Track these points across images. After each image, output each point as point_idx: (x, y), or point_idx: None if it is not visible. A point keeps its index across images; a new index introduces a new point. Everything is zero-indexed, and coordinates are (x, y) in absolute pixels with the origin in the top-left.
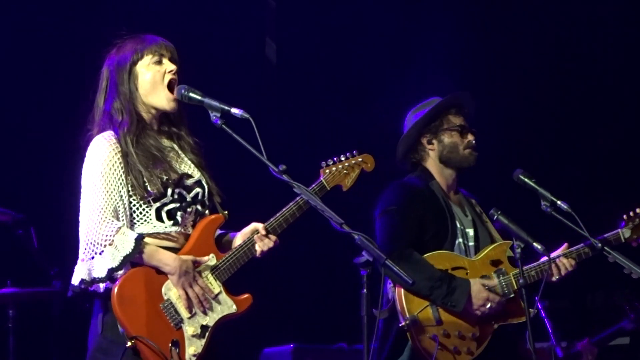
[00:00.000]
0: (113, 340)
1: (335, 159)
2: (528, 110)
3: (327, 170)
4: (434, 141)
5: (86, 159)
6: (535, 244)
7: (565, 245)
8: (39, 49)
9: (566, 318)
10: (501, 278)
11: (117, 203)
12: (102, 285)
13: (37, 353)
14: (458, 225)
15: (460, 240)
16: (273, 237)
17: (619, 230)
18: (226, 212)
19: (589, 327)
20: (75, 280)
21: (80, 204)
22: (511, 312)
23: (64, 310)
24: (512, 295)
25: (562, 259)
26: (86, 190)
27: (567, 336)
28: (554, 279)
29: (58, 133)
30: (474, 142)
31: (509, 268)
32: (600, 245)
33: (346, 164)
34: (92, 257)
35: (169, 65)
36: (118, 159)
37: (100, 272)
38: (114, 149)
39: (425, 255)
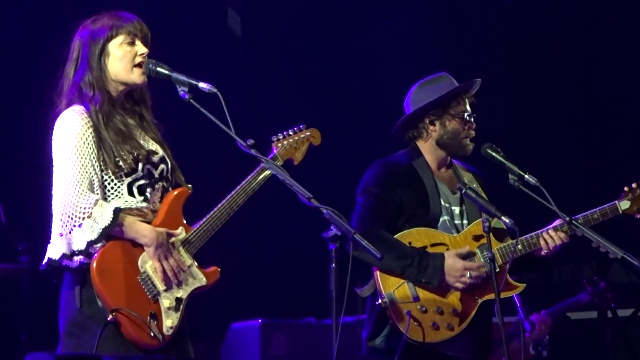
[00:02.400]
0: (91, 316)
1: (284, 133)
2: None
3: (279, 144)
4: (437, 122)
5: (57, 132)
6: (503, 218)
7: (559, 220)
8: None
9: (534, 292)
10: (484, 253)
11: (92, 176)
12: (76, 259)
13: (6, 329)
14: (443, 202)
15: (445, 217)
16: None
17: (616, 201)
18: (190, 185)
19: (556, 301)
20: (54, 255)
21: (54, 179)
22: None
23: (32, 287)
24: (497, 270)
25: (550, 232)
26: (60, 164)
27: (534, 310)
28: (543, 252)
29: (23, 107)
30: (474, 133)
31: (495, 243)
32: (567, 218)
33: (295, 138)
34: (71, 231)
35: (140, 48)
36: (90, 133)
37: (80, 244)
38: (86, 123)
39: (404, 232)
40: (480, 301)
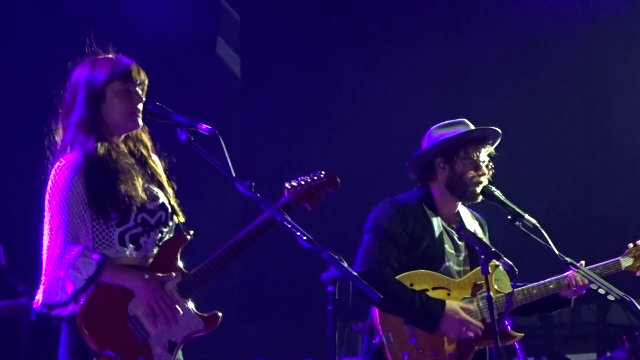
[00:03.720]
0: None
1: (299, 179)
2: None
3: (292, 190)
4: (446, 166)
5: (50, 183)
6: (502, 260)
7: (571, 271)
8: None
9: (533, 334)
10: (483, 302)
11: (79, 226)
12: (69, 308)
13: None
14: (447, 248)
15: (447, 264)
16: None
17: (619, 258)
18: (192, 232)
19: (555, 344)
20: (36, 304)
21: (44, 228)
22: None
23: (32, 327)
24: (496, 317)
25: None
26: (49, 215)
27: (533, 352)
28: (569, 293)
29: (25, 150)
30: (484, 180)
31: (495, 292)
32: (567, 260)
33: (312, 184)
34: (54, 281)
35: (137, 98)
36: (82, 182)
37: (64, 295)
38: (77, 173)
39: (407, 273)
40: (477, 348)
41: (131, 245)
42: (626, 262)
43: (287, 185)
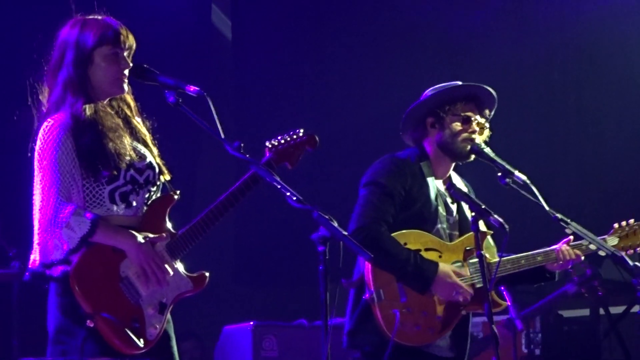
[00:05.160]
0: (74, 322)
1: (279, 138)
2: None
3: (273, 149)
4: (437, 125)
5: (38, 144)
6: (493, 217)
7: (567, 239)
8: None
9: (525, 290)
10: (474, 267)
11: (71, 185)
12: (59, 268)
13: None
14: (440, 210)
15: (440, 225)
16: None
17: (605, 236)
18: (178, 191)
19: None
20: (33, 264)
21: (34, 188)
22: (481, 300)
23: (23, 292)
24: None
25: (565, 247)
26: (40, 174)
27: (525, 307)
28: (555, 266)
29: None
30: (476, 137)
31: (486, 257)
32: (557, 216)
33: (291, 143)
34: (49, 240)
35: (123, 63)
36: (70, 142)
37: (58, 254)
38: (65, 133)
39: (402, 232)
40: (464, 312)
41: (122, 204)
42: (612, 241)
43: (267, 144)
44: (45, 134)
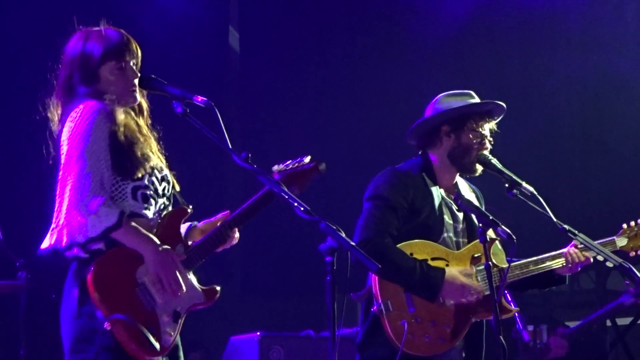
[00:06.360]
0: (92, 327)
1: (287, 163)
2: None
3: (281, 173)
4: (453, 134)
5: (72, 125)
6: (500, 228)
7: (573, 243)
8: None
9: (532, 302)
10: (481, 275)
11: (104, 173)
12: (74, 251)
13: (4, 344)
14: (446, 218)
15: (446, 234)
16: (234, 234)
17: (614, 237)
18: (190, 206)
19: (554, 311)
20: (56, 243)
21: (65, 166)
22: (491, 307)
23: (30, 302)
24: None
25: (574, 250)
26: (74, 155)
27: (532, 321)
28: (564, 270)
29: (21, 125)
30: (485, 153)
31: (492, 265)
32: (565, 227)
33: (298, 169)
34: (75, 223)
35: (131, 74)
36: (107, 128)
37: (80, 237)
38: (104, 117)
39: (407, 242)
40: (473, 320)
41: (143, 203)
42: (620, 241)
43: (274, 168)
44: (85, 115)
